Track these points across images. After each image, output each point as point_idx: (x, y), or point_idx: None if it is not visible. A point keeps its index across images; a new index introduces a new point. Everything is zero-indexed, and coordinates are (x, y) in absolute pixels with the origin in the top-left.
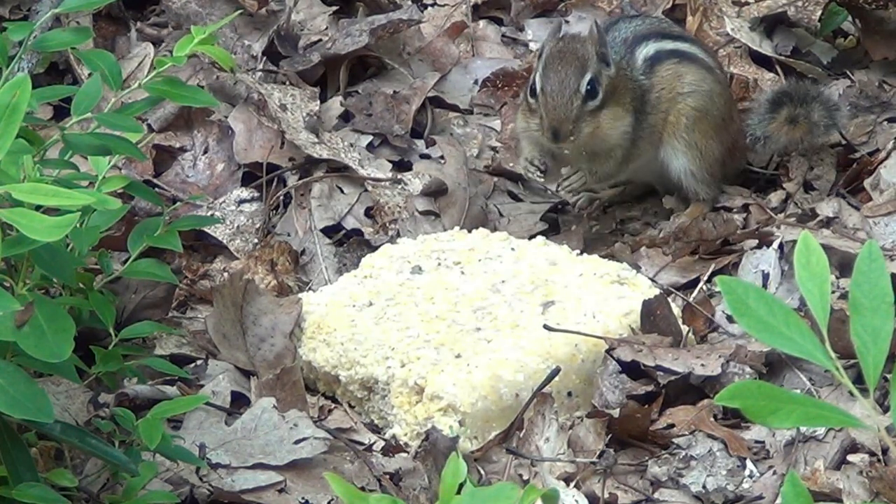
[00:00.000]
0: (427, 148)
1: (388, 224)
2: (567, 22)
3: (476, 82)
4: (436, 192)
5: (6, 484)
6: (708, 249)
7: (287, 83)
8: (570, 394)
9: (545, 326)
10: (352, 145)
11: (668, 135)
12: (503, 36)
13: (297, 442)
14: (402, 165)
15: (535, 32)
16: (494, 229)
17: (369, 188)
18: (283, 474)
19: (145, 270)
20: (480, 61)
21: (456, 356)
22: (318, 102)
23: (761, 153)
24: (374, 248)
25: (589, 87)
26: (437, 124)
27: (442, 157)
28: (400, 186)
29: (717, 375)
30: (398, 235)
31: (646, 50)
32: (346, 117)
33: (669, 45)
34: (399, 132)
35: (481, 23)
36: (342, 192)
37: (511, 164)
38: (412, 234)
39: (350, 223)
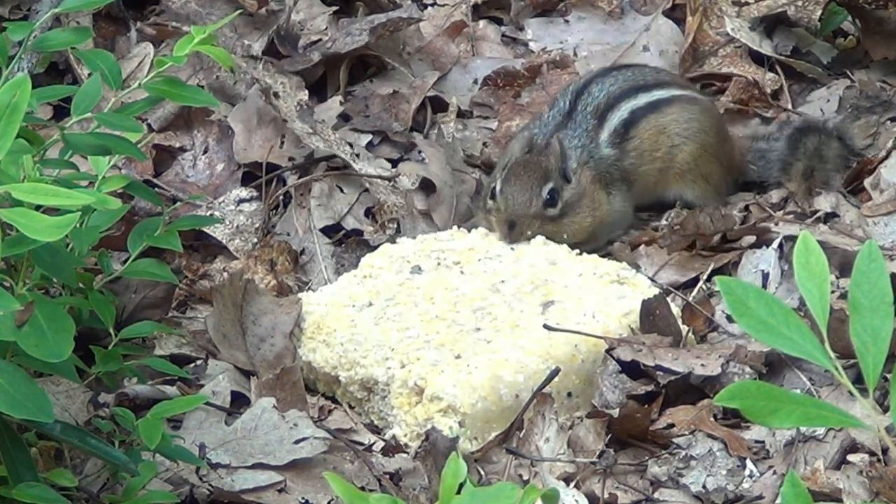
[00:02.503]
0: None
1: (387, 223)
2: (567, 22)
3: (476, 82)
4: (426, 191)
5: (6, 484)
6: (705, 245)
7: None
8: (570, 394)
9: (545, 326)
10: (351, 144)
11: (674, 179)
12: (503, 36)
13: (297, 442)
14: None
15: (535, 32)
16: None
17: (369, 188)
18: (283, 474)
19: (145, 270)
20: (480, 61)
21: (456, 357)
22: (307, 92)
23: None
24: (373, 248)
25: (548, 197)
26: (436, 124)
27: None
28: (399, 186)
29: (717, 375)
30: (397, 233)
31: (619, 114)
32: (345, 116)
33: (644, 99)
34: (398, 130)
35: (481, 22)
36: (342, 191)
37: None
38: (412, 234)
39: (350, 223)
